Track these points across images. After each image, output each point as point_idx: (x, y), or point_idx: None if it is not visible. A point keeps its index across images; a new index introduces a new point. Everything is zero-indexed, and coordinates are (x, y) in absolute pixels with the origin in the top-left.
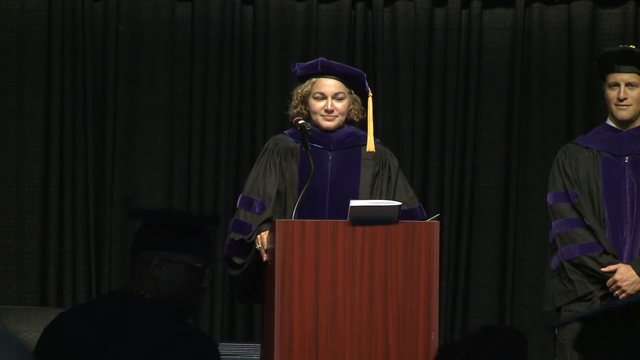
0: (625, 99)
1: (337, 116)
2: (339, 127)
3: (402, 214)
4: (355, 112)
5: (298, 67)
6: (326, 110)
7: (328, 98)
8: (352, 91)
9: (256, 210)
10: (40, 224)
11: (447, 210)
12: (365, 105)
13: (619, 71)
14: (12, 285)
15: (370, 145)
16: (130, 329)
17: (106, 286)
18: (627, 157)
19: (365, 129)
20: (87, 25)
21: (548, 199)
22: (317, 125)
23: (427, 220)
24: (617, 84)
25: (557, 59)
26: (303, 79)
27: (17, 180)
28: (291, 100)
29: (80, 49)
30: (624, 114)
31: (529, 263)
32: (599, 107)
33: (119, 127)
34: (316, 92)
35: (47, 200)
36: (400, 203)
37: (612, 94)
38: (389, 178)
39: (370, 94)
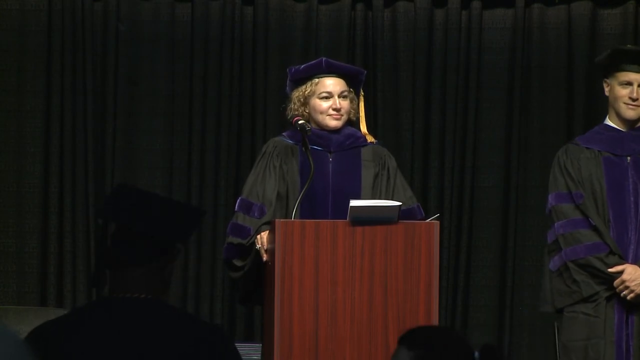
0: (637, 99)
1: (343, 115)
2: (341, 127)
3: (401, 213)
4: (353, 111)
5: (297, 69)
6: (334, 109)
7: (335, 97)
8: (352, 90)
9: (255, 214)
10: (40, 224)
11: (447, 210)
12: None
13: (633, 70)
14: (12, 285)
15: (370, 138)
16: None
17: None
18: (629, 158)
19: (358, 127)
20: (87, 25)
21: (550, 199)
22: (320, 127)
23: (427, 220)
24: (630, 83)
25: (557, 59)
26: (303, 80)
27: (17, 180)
28: (290, 103)
29: (80, 49)
30: (633, 113)
31: (529, 263)
32: (599, 107)
33: (119, 127)
34: (322, 92)
35: (47, 200)
36: (400, 203)
37: (622, 92)
38: (388, 179)
39: (362, 93)
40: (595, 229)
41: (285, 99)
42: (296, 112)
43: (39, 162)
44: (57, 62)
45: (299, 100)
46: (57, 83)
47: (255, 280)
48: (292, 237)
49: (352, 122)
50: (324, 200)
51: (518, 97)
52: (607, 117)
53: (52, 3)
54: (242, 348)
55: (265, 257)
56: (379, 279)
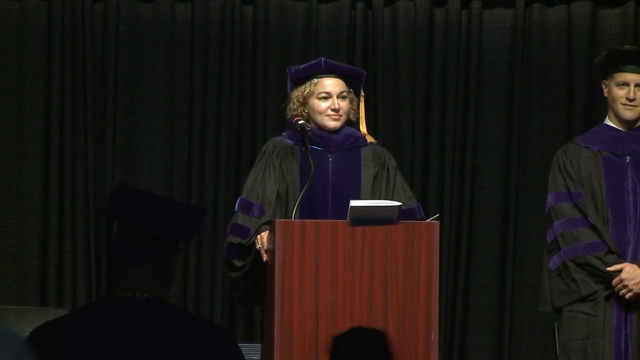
0: (634, 99)
1: (342, 115)
2: (340, 128)
3: (401, 213)
4: (353, 112)
5: (297, 69)
6: (332, 110)
7: (333, 97)
8: (352, 90)
9: (255, 214)
10: (40, 224)
11: (447, 210)
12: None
13: (629, 71)
14: (12, 285)
15: (370, 138)
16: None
17: (106, 286)
18: (628, 157)
19: (358, 127)
20: (87, 25)
21: (549, 199)
22: (319, 127)
23: (427, 220)
24: (627, 84)
25: (557, 59)
26: (302, 80)
27: (17, 180)
28: (289, 103)
29: (80, 49)
30: (631, 114)
31: (529, 263)
32: (599, 107)
33: (119, 127)
34: (321, 92)
35: (47, 200)
36: (400, 203)
37: (619, 92)
38: (388, 179)
39: (363, 93)
40: (594, 228)
41: (286, 98)
42: (295, 112)
43: (39, 162)
44: (57, 62)
45: (298, 100)
46: (57, 83)
47: (255, 280)
48: (292, 237)
49: (352, 123)
50: (323, 200)
51: (518, 97)
52: (607, 117)
53: (52, 3)
54: (242, 348)
55: (265, 257)
56: (379, 279)
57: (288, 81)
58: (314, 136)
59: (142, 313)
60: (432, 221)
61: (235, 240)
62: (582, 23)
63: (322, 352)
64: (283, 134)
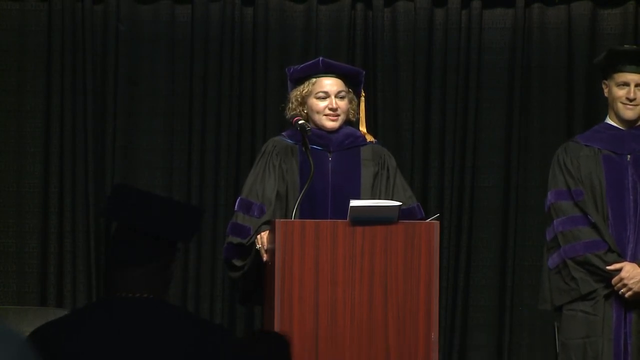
0: (635, 99)
1: (339, 115)
2: (339, 128)
3: (401, 213)
4: (352, 112)
5: (295, 69)
6: (330, 109)
7: (331, 96)
8: (351, 90)
9: (255, 214)
10: (40, 224)
11: (447, 210)
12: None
13: (629, 71)
14: (12, 285)
15: (370, 137)
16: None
17: None
18: (629, 156)
19: (357, 128)
20: (87, 25)
21: (549, 196)
22: (318, 127)
23: (427, 220)
24: (627, 84)
25: (557, 59)
26: (301, 80)
27: (17, 180)
28: (288, 103)
29: (80, 49)
30: (631, 114)
31: (529, 263)
32: (599, 107)
33: (119, 127)
34: (319, 92)
35: (47, 200)
36: (400, 203)
37: (620, 92)
38: (387, 178)
39: (364, 94)
40: (594, 226)
41: (286, 99)
42: (294, 112)
43: (39, 162)
44: (57, 62)
45: (297, 100)
46: (57, 83)
47: (255, 280)
48: (292, 237)
49: (352, 123)
50: (323, 200)
51: (518, 97)
52: (607, 116)
53: (52, 3)
54: None
55: (265, 257)
56: (379, 279)
57: (288, 81)
58: (313, 136)
59: (142, 313)
60: (432, 221)
61: (235, 240)
62: (582, 23)
63: (323, 352)
64: (283, 133)
